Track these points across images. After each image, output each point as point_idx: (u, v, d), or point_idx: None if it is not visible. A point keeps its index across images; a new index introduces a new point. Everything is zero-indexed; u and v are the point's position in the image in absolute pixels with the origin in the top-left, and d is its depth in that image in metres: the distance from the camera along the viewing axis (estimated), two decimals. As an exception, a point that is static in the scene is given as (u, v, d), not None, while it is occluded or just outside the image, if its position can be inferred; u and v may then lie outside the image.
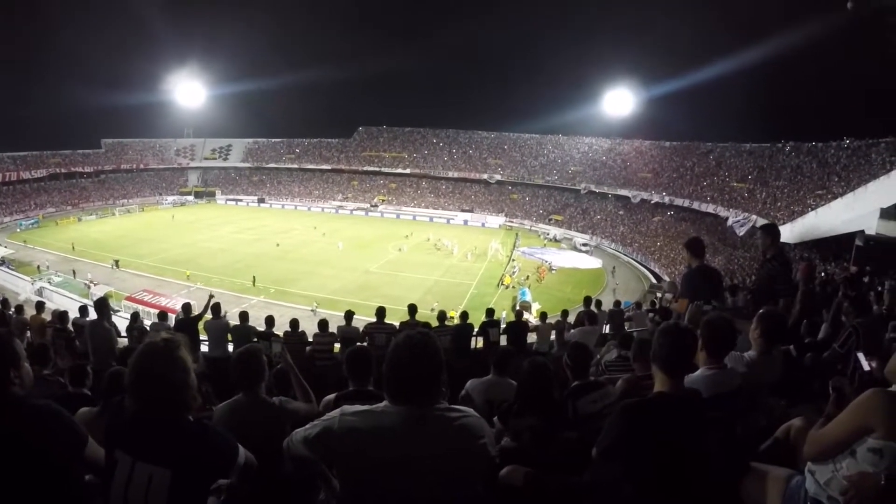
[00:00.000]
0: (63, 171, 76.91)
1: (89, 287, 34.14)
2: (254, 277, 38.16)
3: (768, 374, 3.70)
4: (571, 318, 11.82)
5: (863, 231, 26.01)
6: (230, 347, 9.58)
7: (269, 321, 10.09)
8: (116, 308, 25.09)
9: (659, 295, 28.81)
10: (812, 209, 35.20)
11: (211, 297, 10.91)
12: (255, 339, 9.16)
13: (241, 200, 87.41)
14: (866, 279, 14.09)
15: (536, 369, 3.62)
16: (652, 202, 63.12)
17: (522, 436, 3.49)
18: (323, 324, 9.90)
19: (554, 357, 8.40)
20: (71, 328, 9.41)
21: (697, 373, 3.15)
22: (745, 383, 3.37)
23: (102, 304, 8.68)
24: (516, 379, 3.96)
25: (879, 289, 11.57)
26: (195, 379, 2.20)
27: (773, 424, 3.23)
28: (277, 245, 51.30)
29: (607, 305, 13.74)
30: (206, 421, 2.36)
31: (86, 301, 23.12)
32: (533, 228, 69.78)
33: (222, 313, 10.95)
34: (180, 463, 2.07)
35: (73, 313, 10.17)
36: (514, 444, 3.52)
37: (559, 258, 49.21)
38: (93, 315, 8.78)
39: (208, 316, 9.99)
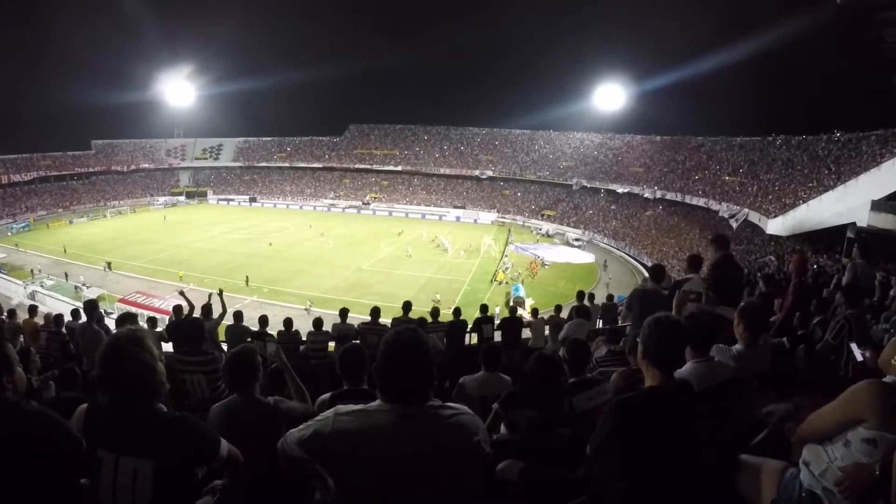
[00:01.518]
0: (53, 173, 76.43)
1: (77, 289, 33.99)
2: (247, 277, 38.08)
3: (757, 365, 3.73)
4: (565, 314, 11.85)
5: (854, 223, 26.19)
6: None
7: (263, 321, 10.07)
8: (110, 311, 25.02)
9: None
10: (803, 202, 35.35)
11: (221, 291, 10.72)
12: (249, 339, 9.14)
13: (232, 200, 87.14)
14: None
15: (547, 363, 3.62)
16: (643, 196, 63.30)
17: (518, 427, 3.50)
18: (317, 322, 9.88)
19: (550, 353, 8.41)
20: (65, 331, 9.37)
21: (685, 366, 3.17)
22: (735, 375, 3.40)
23: (92, 307, 8.64)
24: (523, 370, 3.96)
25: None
26: (162, 366, 2.24)
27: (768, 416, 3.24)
28: (270, 244, 51.17)
29: (600, 300, 13.77)
30: (184, 413, 2.39)
31: (78, 304, 23.01)
32: (525, 224, 69.88)
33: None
34: (161, 453, 2.12)
35: (67, 317, 10.13)
36: (508, 435, 3.54)
37: (552, 253, 49.33)
38: (84, 318, 8.75)
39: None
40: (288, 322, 9.95)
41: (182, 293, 10.76)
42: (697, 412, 2.44)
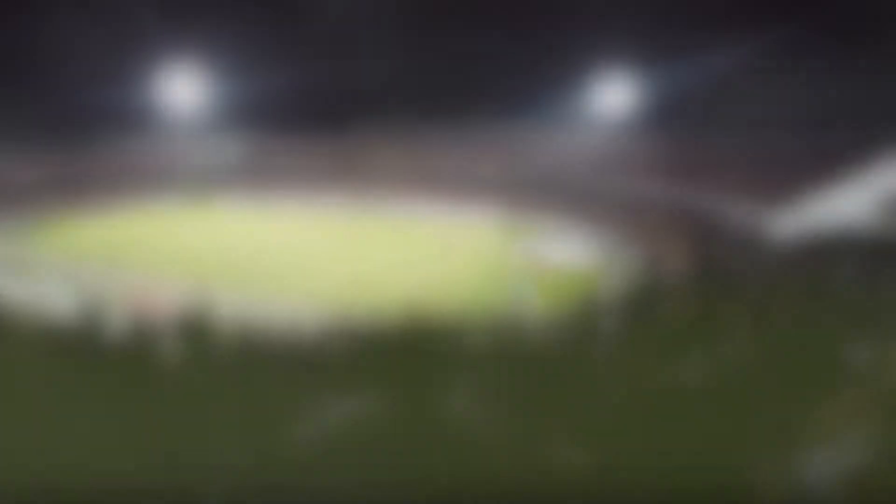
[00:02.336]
0: (58, 172, 76.24)
1: (81, 290, 33.91)
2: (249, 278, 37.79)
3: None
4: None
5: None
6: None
7: (268, 320, 10.06)
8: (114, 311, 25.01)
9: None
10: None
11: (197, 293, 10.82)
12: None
13: (236, 200, 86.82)
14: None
15: None
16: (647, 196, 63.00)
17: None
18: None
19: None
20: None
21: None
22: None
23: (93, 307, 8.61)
24: None
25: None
26: None
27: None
28: (278, 245, 50.75)
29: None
30: None
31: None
32: (531, 225, 69.37)
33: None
34: None
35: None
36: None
37: (556, 253, 49.09)
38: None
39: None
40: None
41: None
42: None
